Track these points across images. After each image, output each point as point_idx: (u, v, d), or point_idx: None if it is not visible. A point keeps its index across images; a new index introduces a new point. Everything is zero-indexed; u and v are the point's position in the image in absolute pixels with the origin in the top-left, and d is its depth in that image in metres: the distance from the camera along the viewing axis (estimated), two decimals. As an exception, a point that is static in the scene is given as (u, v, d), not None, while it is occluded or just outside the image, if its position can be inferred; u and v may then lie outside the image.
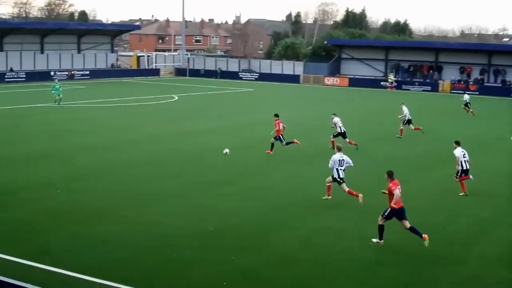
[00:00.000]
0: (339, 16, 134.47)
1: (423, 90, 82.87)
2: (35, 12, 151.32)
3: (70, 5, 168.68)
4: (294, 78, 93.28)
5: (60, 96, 53.47)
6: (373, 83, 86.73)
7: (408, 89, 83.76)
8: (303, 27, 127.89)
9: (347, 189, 23.06)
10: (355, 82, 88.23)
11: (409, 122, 40.28)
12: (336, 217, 21.54)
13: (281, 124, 32.46)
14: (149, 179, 26.43)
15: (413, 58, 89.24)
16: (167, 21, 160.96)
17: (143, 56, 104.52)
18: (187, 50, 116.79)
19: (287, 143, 32.51)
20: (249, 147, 34.60)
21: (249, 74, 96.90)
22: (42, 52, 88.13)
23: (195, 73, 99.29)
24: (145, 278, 15.61)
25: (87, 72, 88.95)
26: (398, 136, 39.54)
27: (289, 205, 22.86)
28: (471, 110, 53.00)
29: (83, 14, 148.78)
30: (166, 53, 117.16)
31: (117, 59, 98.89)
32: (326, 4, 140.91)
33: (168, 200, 23.25)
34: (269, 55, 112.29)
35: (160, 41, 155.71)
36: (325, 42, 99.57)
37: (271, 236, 19.23)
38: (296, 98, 69.28)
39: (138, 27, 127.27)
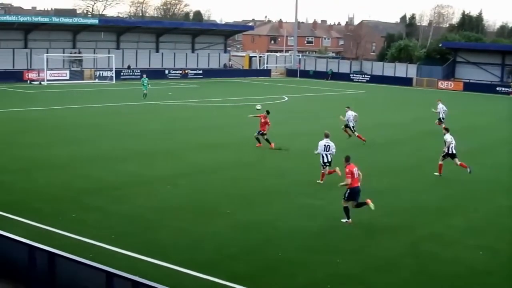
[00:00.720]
0: (455, 19, 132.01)
1: (541, 97, 79.87)
2: (151, 12, 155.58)
3: (186, 5, 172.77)
4: (406, 81, 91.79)
5: (145, 91, 55.71)
6: (489, 88, 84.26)
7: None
8: (418, 29, 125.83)
9: (326, 171, 25.69)
10: (470, 86, 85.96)
11: (440, 120, 42.48)
12: (446, 224, 21.02)
13: (268, 123, 33.28)
14: (255, 178, 26.67)
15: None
16: (280, 22, 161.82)
17: (255, 56, 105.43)
18: (299, 51, 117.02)
19: (266, 140, 33.17)
20: (358, 149, 34.31)
21: (361, 76, 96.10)
22: (157, 51, 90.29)
23: (306, 74, 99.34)
24: (250, 277, 15.73)
25: (200, 72, 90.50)
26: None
27: (399, 211, 22.53)
28: None
29: (197, 14, 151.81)
30: (278, 54, 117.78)
31: (230, 59, 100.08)
32: (441, 7, 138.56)
33: (275, 199, 23.36)
34: (381, 57, 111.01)
35: (272, 42, 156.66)
36: (440, 45, 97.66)
37: (377, 240, 18.99)
38: (409, 101, 68.15)
39: (251, 28, 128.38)
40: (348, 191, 20.16)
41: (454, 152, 27.65)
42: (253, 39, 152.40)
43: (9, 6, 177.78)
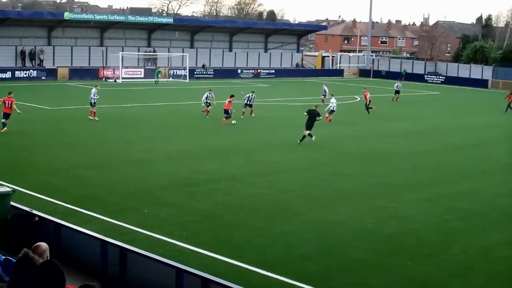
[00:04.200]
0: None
1: None
2: (225, 11, 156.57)
3: (259, 5, 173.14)
4: (481, 83, 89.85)
5: (157, 79, 70.25)
6: None
7: None
8: (494, 30, 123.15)
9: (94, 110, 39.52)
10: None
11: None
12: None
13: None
14: (329, 179, 26.44)
15: None
16: (354, 21, 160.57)
17: (328, 56, 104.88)
18: (372, 51, 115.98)
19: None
20: (437, 152, 33.76)
21: (435, 77, 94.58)
22: (230, 50, 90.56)
23: (379, 74, 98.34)
24: (320, 277, 15.59)
25: (273, 71, 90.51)
26: None
27: (475, 215, 22.03)
28: (397, 97, 61.92)
29: (271, 13, 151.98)
30: (351, 54, 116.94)
31: (302, 59, 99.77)
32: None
33: (348, 200, 23.14)
34: (456, 58, 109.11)
35: (346, 41, 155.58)
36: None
37: (450, 245, 18.57)
38: (485, 103, 66.77)
39: (325, 28, 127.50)
40: (3, 113, 32.88)
41: (251, 103, 43.78)
42: (326, 39, 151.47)
43: (86, 4, 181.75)
